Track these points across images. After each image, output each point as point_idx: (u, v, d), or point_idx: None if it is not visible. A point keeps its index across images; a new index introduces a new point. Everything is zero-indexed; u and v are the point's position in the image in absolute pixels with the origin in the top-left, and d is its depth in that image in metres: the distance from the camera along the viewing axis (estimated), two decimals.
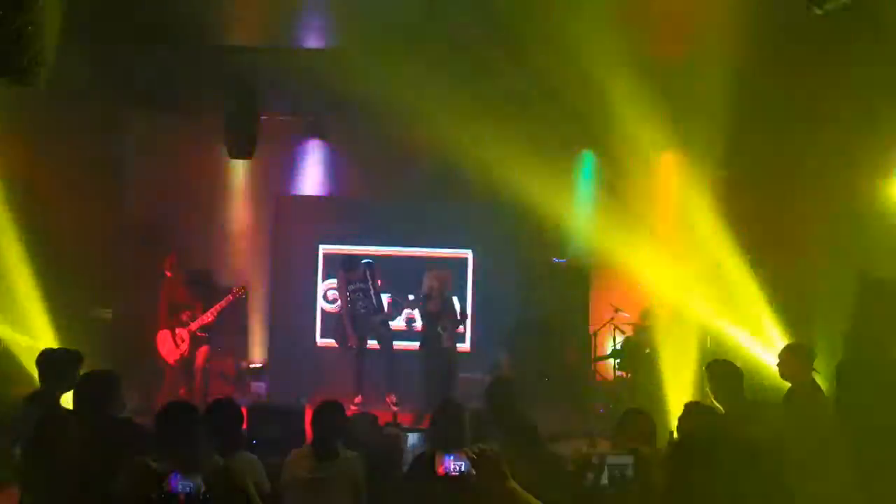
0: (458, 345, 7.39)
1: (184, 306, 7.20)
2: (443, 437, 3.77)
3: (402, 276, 8.05)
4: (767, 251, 8.18)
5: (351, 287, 7.57)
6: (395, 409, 7.19)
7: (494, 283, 8.33)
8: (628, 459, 2.47)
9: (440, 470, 2.28)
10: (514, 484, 2.27)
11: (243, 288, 7.33)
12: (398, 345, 7.69)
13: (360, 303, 7.55)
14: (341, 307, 7.72)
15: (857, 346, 5.57)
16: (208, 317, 7.12)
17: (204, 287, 7.30)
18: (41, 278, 7.21)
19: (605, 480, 2.46)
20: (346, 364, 7.75)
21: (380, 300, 7.65)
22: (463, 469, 2.26)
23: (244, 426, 4.16)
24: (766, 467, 1.53)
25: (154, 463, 2.39)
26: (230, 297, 7.18)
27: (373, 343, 7.71)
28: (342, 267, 7.71)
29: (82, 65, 6.05)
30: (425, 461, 3.19)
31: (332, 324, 7.88)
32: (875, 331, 5.58)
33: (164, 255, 7.25)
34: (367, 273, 7.56)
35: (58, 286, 7.38)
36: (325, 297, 8.56)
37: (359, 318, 7.51)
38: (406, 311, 8.30)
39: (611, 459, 2.48)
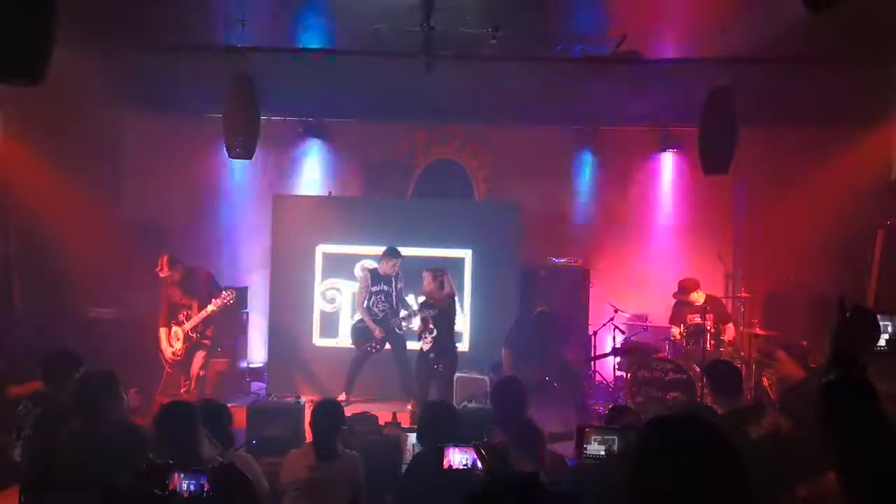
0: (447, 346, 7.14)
1: (181, 306, 7.20)
2: (427, 437, 3.79)
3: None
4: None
5: (374, 288, 7.56)
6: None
7: (494, 283, 8.32)
8: (615, 436, 3.36)
9: (445, 463, 2.29)
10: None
11: (231, 294, 7.24)
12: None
13: (381, 305, 7.54)
14: (359, 309, 7.66)
15: None
16: (198, 319, 7.10)
17: (200, 287, 7.27)
18: (41, 278, 7.24)
19: (601, 452, 3.33)
20: (345, 363, 7.75)
21: (399, 305, 7.61)
22: (468, 463, 2.27)
23: (232, 424, 4.14)
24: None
25: (158, 461, 2.39)
26: (217, 303, 7.08)
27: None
28: (370, 269, 7.71)
29: (82, 64, 6.05)
30: (431, 456, 3.20)
31: (358, 329, 7.75)
32: None
33: (164, 254, 7.23)
34: (394, 278, 7.54)
35: (57, 286, 7.41)
36: (324, 296, 8.55)
37: (378, 321, 7.51)
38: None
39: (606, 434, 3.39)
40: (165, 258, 7.10)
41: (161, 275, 7.11)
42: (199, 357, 7.22)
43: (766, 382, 6.81)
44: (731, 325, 7.53)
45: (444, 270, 7.22)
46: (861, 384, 1.66)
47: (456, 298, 7.27)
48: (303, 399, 6.25)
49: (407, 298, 7.74)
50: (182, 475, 2.26)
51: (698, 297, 7.54)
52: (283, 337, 8.39)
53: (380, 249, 7.69)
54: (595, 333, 8.25)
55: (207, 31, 6.49)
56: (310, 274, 8.47)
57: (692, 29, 6.27)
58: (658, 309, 8.22)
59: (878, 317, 1.84)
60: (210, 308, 7.05)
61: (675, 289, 7.72)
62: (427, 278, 7.11)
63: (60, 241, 7.13)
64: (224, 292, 7.15)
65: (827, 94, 6.85)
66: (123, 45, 6.38)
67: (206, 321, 7.14)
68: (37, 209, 7.01)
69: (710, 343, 7.10)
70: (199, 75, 7.12)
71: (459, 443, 2.26)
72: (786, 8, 4.78)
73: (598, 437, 3.40)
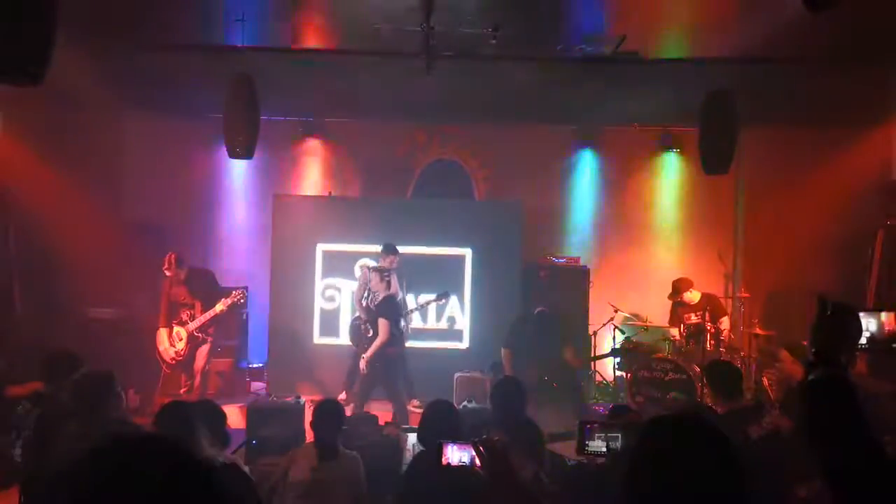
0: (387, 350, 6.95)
1: (183, 305, 7.19)
2: (428, 437, 3.79)
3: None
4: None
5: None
6: (418, 412, 7.10)
7: (494, 282, 8.32)
8: (618, 433, 3.51)
9: (444, 461, 2.28)
10: (519, 478, 2.28)
11: (242, 293, 7.25)
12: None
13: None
14: (357, 306, 7.66)
15: None
16: (206, 318, 7.10)
17: (204, 286, 7.27)
18: (41, 278, 7.24)
19: (603, 448, 3.48)
20: (345, 363, 7.74)
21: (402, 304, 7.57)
22: (466, 460, 2.26)
23: (227, 424, 4.13)
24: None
25: None
26: (227, 302, 7.08)
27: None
28: (370, 267, 7.67)
29: (82, 64, 6.05)
30: (430, 455, 3.21)
31: (356, 327, 7.79)
32: None
33: (165, 254, 7.24)
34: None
35: (57, 286, 7.40)
36: (323, 295, 8.54)
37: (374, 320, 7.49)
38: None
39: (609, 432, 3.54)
40: (173, 257, 7.10)
41: (167, 273, 7.11)
42: (203, 353, 7.22)
43: (766, 382, 6.81)
44: (726, 318, 7.53)
45: (391, 271, 7.19)
46: (841, 382, 1.67)
47: (399, 299, 7.22)
48: (303, 399, 6.25)
49: (407, 297, 7.73)
50: None
51: (693, 297, 7.53)
52: (283, 337, 8.38)
53: (379, 249, 7.68)
54: (595, 333, 8.24)
55: (207, 31, 6.49)
56: (310, 273, 8.47)
57: (692, 29, 6.27)
58: (658, 309, 8.21)
59: (861, 314, 1.86)
60: (219, 307, 7.06)
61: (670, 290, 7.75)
62: (374, 278, 7.11)
63: (60, 241, 7.13)
64: (234, 291, 7.17)
65: (827, 94, 6.84)
66: (124, 45, 6.38)
67: (213, 321, 7.15)
68: (37, 209, 7.00)
69: (710, 343, 7.10)
70: (199, 75, 7.12)
71: (458, 440, 2.26)
72: (786, 8, 4.78)
73: (602, 434, 3.49)
